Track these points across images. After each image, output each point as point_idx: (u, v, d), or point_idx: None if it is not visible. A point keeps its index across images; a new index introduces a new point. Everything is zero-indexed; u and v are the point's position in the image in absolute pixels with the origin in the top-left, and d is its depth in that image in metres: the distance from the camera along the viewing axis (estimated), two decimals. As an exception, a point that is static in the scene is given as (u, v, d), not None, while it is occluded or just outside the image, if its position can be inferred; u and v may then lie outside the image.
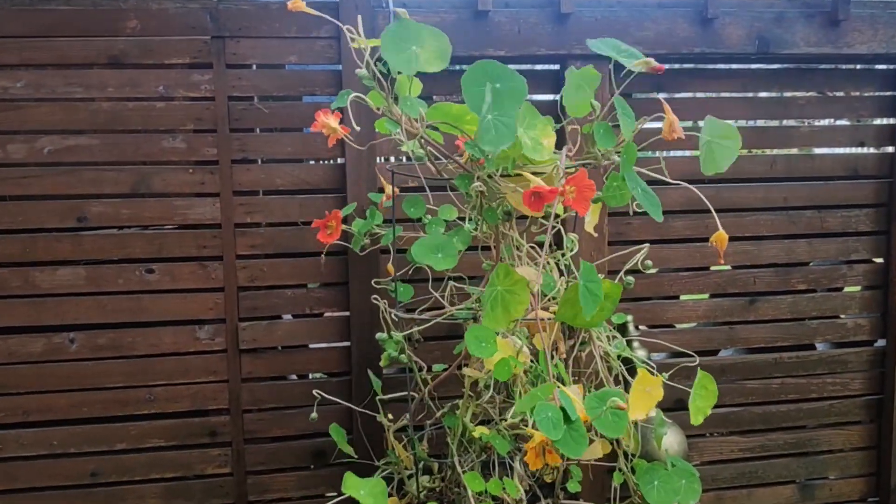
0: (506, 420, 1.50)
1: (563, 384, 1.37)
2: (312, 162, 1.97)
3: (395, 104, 1.35)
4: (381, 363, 1.65)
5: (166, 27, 1.80)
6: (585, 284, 1.24)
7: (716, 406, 1.50)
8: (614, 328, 1.66)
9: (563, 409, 1.20)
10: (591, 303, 1.24)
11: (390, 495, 1.68)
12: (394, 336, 1.58)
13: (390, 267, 1.79)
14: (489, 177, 1.36)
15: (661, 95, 2.10)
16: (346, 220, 1.81)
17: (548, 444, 1.22)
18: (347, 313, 1.94)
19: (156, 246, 1.86)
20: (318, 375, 2.03)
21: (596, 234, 1.61)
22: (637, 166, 1.41)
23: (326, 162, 1.96)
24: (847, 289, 2.20)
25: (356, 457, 1.68)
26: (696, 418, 1.44)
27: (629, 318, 1.92)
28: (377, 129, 1.58)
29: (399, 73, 1.33)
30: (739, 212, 2.09)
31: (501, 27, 1.89)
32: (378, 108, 1.37)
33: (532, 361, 1.40)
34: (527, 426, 1.39)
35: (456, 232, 1.48)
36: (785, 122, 2.17)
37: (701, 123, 1.41)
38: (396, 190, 1.76)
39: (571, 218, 1.75)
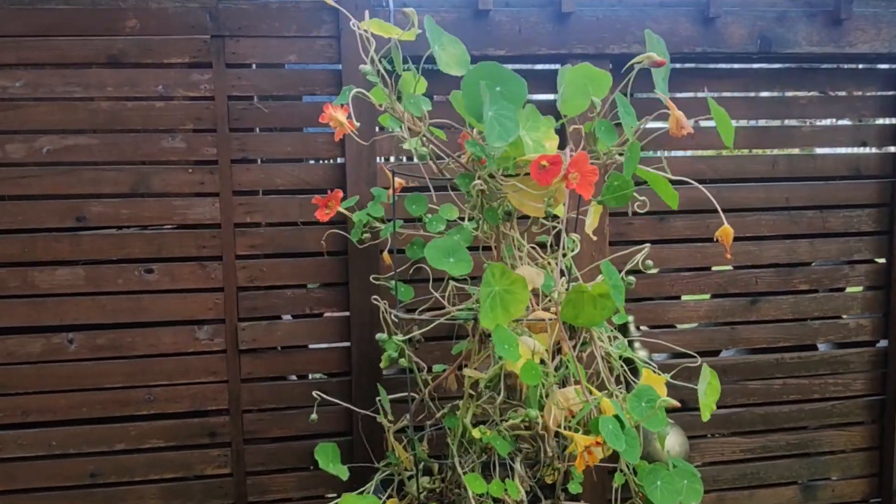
0: (506, 421, 1.49)
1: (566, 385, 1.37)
2: (312, 162, 1.97)
3: (398, 101, 1.35)
4: (382, 364, 1.65)
5: (165, 26, 1.80)
6: (614, 284, 1.26)
7: (718, 407, 1.50)
8: (615, 329, 1.66)
9: (617, 416, 1.22)
10: (619, 296, 1.26)
11: (390, 496, 1.68)
12: (394, 337, 1.58)
13: (386, 255, 1.78)
14: (490, 176, 1.36)
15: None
16: (344, 223, 1.80)
17: (589, 447, 1.25)
18: (347, 313, 1.94)
19: (155, 246, 1.86)
20: (317, 376, 2.03)
21: (595, 238, 1.61)
22: (638, 165, 1.41)
23: (326, 162, 1.96)
24: (849, 289, 2.20)
25: (344, 479, 1.64)
26: (706, 414, 1.44)
27: (630, 318, 1.92)
28: (381, 124, 1.58)
29: (406, 70, 1.34)
30: (741, 212, 2.09)
31: (502, 26, 1.88)
32: (381, 105, 1.37)
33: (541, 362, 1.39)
34: (529, 429, 1.39)
35: (457, 231, 1.48)
36: (787, 122, 2.17)
37: (704, 123, 1.42)
38: (401, 182, 1.76)
39: (572, 219, 1.74)
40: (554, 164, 1.22)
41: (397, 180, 1.70)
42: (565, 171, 1.22)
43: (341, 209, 1.69)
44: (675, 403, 1.26)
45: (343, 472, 1.62)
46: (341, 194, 1.67)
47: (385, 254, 1.79)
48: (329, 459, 1.63)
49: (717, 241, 1.40)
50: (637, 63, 1.36)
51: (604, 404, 1.29)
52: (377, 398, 1.73)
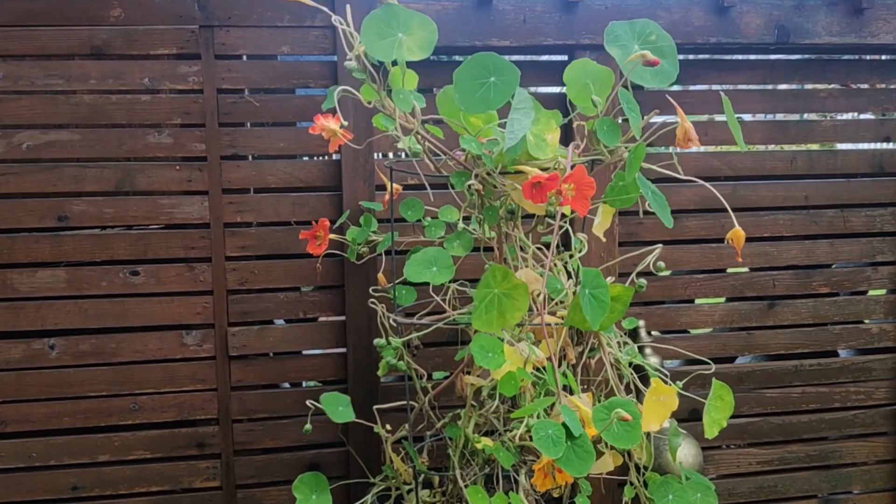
0: (510, 431, 1.50)
1: (572, 394, 1.37)
2: (306, 158, 1.97)
3: (390, 97, 1.34)
4: (379, 371, 1.65)
5: (152, 16, 1.80)
6: (590, 292, 1.24)
7: (733, 416, 1.50)
8: (625, 334, 1.66)
9: (565, 425, 1.20)
10: (598, 311, 1.24)
11: (388, 510, 1.68)
12: (392, 342, 1.58)
13: (381, 277, 1.79)
14: (488, 174, 1.36)
15: (675, 88, 2.11)
16: (340, 228, 1.80)
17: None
18: (343, 318, 1.94)
19: (141, 247, 1.86)
20: (312, 384, 2.03)
21: (604, 239, 1.61)
22: (647, 163, 1.41)
23: (321, 158, 1.96)
24: (871, 292, 2.20)
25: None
26: (711, 431, 1.44)
27: (641, 323, 1.92)
28: (374, 125, 1.58)
29: (394, 63, 1.34)
30: (757, 211, 2.09)
31: (506, 16, 1.89)
32: (369, 102, 1.37)
33: (539, 370, 1.39)
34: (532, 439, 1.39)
35: (457, 236, 1.48)
36: (806, 116, 2.17)
37: (717, 118, 1.41)
38: (399, 187, 1.76)
39: (580, 218, 1.74)
40: (549, 181, 1.21)
41: (395, 183, 1.70)
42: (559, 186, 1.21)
43: (333, 236, 1.70)
44: (628, 417, 1.24)
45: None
46: (328, 223, 1.67)
47: (380, 275, 1.79)
48: (311, 492, 1.61)
49: (728, 244, 1.40)
50: (631, 63, 1.35)
51: (583, 414, 1.28)
52: (374, 407, 1.73)
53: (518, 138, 1.22)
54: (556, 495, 1.60)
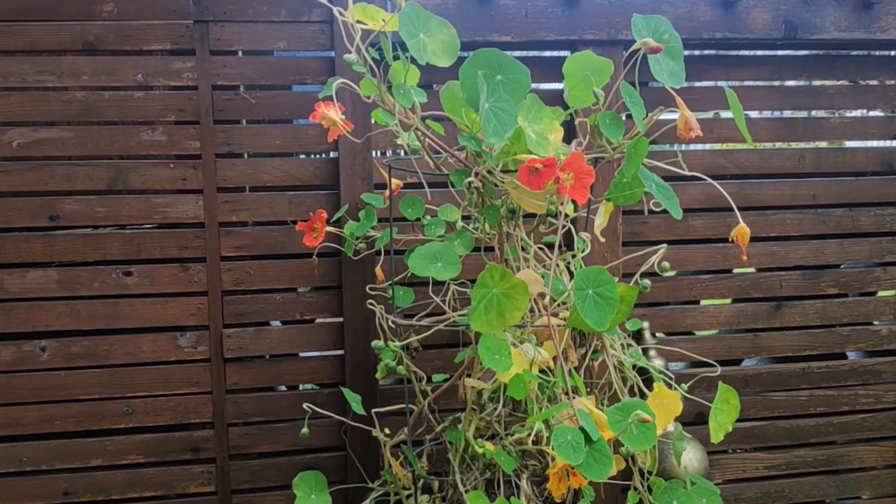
0: (512, 435, 1.49)
1: (576, 394, 1.36)
2: (303, 156, 1.97)
3: (390, 92, 1.34)
4: (378, 374, 1.65)
5: (145, 10, 1.80)
6: (594, 291, 1.23)
7: (739, 420, 1.50)
8: (629, 335, 1.66)
9: (583, 429, 1.20)
10: (606, 311, 1.23)
11: (387, 516, 1.68)
12: (391, 344, 1.58)
13: (379, 271, 1.79)
14: (489, 172, 1.36)
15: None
16: (338, 222, 1.80)
17: (571, 467, 1.23)
18: (341, 319, 1.94)
19: (134, 247, 1.86)
20: (308, 386, 2.03)
21: (603, 239, 1.61)
22: (652, 160, 1.41)
23: (318, 156, 1.96)
24: (881, 293, 2.19)
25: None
26: (717, 435, 1.43)
27: (645, 324, 1.92)
28: (374, 120, 1.58)
29: (395, 59, 1.33)
30: (764, 210, 2.09)
31: (507, 10, 1.89)
32: (369, 97, 1.37)
33: (542, 373, 1.39)
34: (536, 443, 1.39)
35: (457, 234, 1.47)
36: (814, 113, 2.17)
37: (724, 114, 1.41)
38: (399, 183, 1.76)
39: (582, 217, 1.75)
40: (547, 167, 1.21)
41: (394, 180, 1.70)
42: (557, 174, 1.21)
43: (330, 229, 1.69)
44: (648, 418, 1.25)
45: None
46: (325, 215, 1.67)
47: (378, 269, 1.79)
48: (310, 491, 1.61)
49: (733, 241, 1.40)
50: (635, 50, 1.35)
51: (596, 417, 1.28)
52: (373, 410, 1.73)
53: (501, 139, 1.22)
54: (558, 500, 1.60)
